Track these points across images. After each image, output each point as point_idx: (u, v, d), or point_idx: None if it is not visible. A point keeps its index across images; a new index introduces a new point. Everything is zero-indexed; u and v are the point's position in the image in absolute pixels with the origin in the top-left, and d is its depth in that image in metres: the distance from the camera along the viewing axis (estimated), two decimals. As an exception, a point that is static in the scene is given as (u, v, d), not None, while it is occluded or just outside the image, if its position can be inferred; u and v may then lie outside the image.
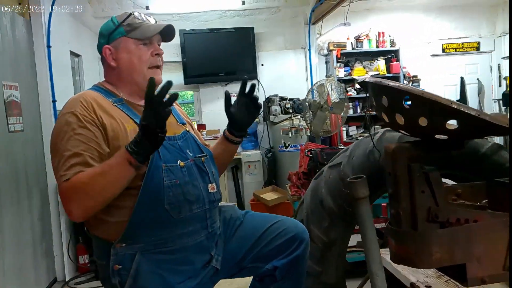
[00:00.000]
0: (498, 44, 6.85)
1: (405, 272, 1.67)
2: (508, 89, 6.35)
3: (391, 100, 1.14)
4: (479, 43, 6.80)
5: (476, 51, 6.82)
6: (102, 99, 1.50)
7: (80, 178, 1.33)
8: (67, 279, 4.02)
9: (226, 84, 6.19)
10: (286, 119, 5.67)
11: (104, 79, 1.62)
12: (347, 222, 2.01)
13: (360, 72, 6.22)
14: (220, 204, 1.63)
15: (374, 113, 1.38)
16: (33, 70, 3.88)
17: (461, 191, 1.36)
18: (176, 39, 5.74)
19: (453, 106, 1.00)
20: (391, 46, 6.30)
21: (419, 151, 1.19)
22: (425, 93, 1.04)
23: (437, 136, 1.12)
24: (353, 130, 6.29)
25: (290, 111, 5.79)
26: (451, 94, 6.54)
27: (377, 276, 1.23)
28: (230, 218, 1.64)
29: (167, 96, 1.28)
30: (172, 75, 5.93)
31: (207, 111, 6.21)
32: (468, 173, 1.86)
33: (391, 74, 6.17)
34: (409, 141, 1.24)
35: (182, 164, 1.46)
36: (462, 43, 6.76)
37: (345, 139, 6.05)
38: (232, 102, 1.71)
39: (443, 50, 6.75)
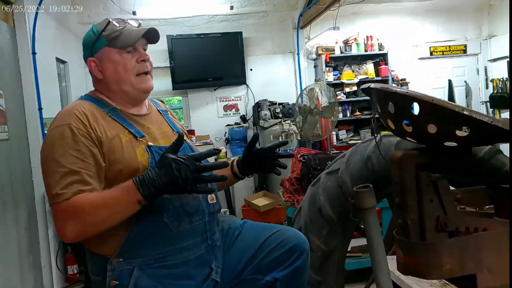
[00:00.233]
0: (484, 47, 6.92)
1: (409, 281, 1.63)
2: (496, 91, 6.41)
3: (398, 107, 1.10)
4: (465, 46, 6.86)
5: (463, 54, 6.88)
6: (96, 110, 1.44)
7: (81, 203, 1.27)
8: (55, 291, 3.93)
9: (215, 90, 6.15)
10: (276, 124, 5.64)
11: (94, 87, 1.56)
12: (347, 230, 1.97)
13: (349, 76, 6.22)
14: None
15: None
16: (18, 77, 3.78)
17: (461, 196, 1.33)
18: (164, 45, 5.69)
19: (465, 112, 0.97)
20: (380, 50, 6.32)
21: (426, 158, 1.16)
22: (435, 100, 1.00)
23: (446, 144, 1.09)
24: (343, 134, 6.28)
25: (280, 115, 5.77)
26: (439, 96, 6.30)
27: (385, 288, 1.19)
28: (228, 229, 1.59)
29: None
30: (160, 80, 5.87)
31: (196, 116, 6.16)
32: (467, 178, 1.83)
33: (379, 78, 6.18)
34: (415, 148, 1.21)
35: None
36: (449, 46, 6.82)
37: (335, 143, 6.04)
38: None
39: (431, 53, 6.79)
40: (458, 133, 1.04)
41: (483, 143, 1.10)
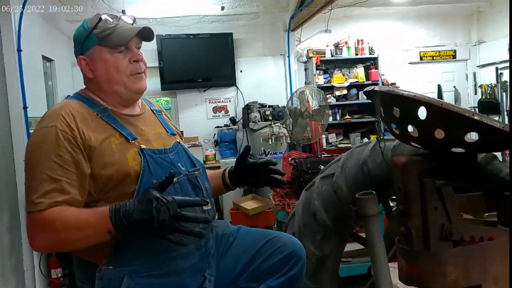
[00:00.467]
0: (473, 53, 6.96)
1: (408, 290, 1.60)
2: (484, 97, 6.44)
3: (404, 111, 1.06)
4: (455, 51, 6.90)
5: (452, 59, 6.92)
6: (85, 110, 1.37)
7: (54, 218, 1.20)
8: (38, 295, 3.82)
9: (204, 91, 6.09)
10: (266, 126, 5.60)
11: (84, 86, 1.49)
12: (341, 236, 1.93)
13: (339, 80, 6.20)
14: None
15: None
16: (2, 75, 3.68)
17: (458, 202, 1.30)
18: (153, 44, 5.61)
19: (475, 117, 0.93)
20: (370, 54, 6.31)
21: (431, 164, 1.12)
22: (444, 104, 0.96)
23: (453, 149, 1.05)
24: (332, 137, 6.25)
25: (270, 118, 5.73)
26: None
27: (387, 299, 1.15)
28: (222, 235, 1.53)
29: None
30: (148, 80, 5.74)
31: (184, 117, 6.09)
32: (467, 184, 1.80)
33: (370, 82, 6.17)
34: (419, 154, 1.17)
35: (174, 180, 1.34)
36: (439, 51, 6.85)
37: (325, 147, 6.01)
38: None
39: (421, 58, 6.81)
40: (467, 138, 1.00)
41: (492, 149, 1.06)
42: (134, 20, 1.48)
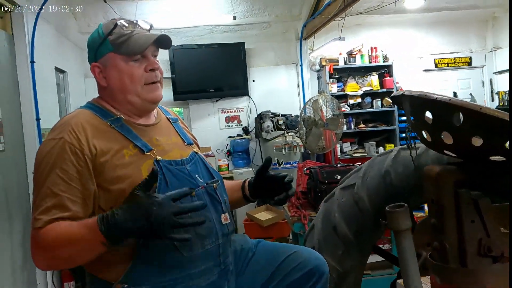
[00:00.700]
0: (489, 59, 6.84)
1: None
2: (502, 104, 6.32)
3: (437, 117, 0.99)
4: (470, 58, 6.78)
5: (468, 66, 6.80)
6: (97, 120, 1.31)
7: (50, 236, 1.15)
8: (51, 309, 3.77)
9: (216, 101, 6.05)
10: (279, 136, 5.54)
11: (98, 94, 1.43)
12: (363, 250, 1.84)
13: (353, 88, 6.12)
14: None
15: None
16: (15, 86, 3.68)
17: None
18: (165, 55, 5.60)
19: (519, 123, 0.85)
20: (384, 61, 6.23)
21: (466, 174, 1.04)
22: (483, 108, 0.89)
23: (492, 158, 0.97)
24: (347, 146, 6.16)
25: (283, 127, 5.67)
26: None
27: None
28: (241, 250, 1.46)
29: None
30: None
31: (197, 128, 6.04)
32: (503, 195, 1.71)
33: (384, 90, 6.08)
34: (452, 163, 1.09)
35: (192, 193, 1.26)
36: (454, 58, 6.74)
37: (339, 156, 5.91)
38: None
39: (436, 65, 6.71)
40: (508, 146, 0.92)
41: (535, 158, 0.98)
42: (151, 26, 1.42)
